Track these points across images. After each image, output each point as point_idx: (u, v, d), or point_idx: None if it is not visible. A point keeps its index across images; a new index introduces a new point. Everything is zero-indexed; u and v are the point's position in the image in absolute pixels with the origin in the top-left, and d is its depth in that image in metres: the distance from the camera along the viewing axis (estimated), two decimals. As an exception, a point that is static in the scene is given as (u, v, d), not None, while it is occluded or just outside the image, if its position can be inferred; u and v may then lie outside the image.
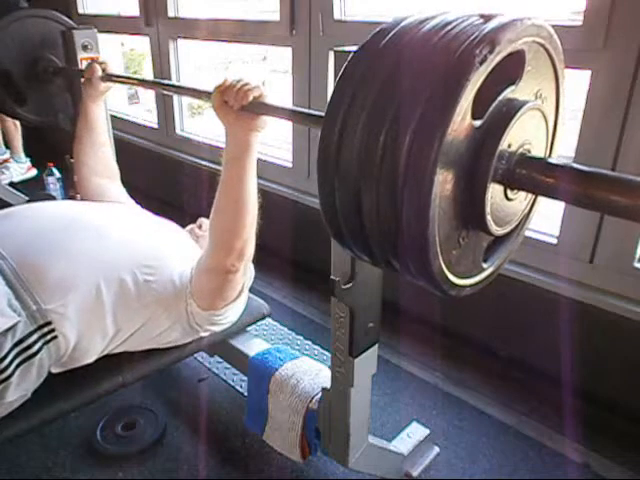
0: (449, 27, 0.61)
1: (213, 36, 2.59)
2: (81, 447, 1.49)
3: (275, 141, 2.74)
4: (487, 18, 0.60)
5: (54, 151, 2.51)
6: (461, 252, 0.69)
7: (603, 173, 0.62)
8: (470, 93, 0.57)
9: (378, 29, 0.67)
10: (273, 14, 2.25)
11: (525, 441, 1.53)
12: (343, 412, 1.17)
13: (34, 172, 3.62)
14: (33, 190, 3.04)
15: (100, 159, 1.66)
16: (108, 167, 1.68)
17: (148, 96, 3.98)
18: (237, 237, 1.17)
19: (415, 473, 1.35)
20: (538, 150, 0.72)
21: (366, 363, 1.14)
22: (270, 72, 5.04)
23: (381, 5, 2.26)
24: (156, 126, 3.09)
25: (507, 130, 0.63)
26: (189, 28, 2.69)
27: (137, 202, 1.68)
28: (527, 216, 0.81)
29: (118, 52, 3.69)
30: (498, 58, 0.59)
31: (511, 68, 0.64)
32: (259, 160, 1.15)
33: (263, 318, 1.62)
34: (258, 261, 1.38)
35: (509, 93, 0.65)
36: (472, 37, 0.58)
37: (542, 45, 0.68)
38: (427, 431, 1.42)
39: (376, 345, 1.15)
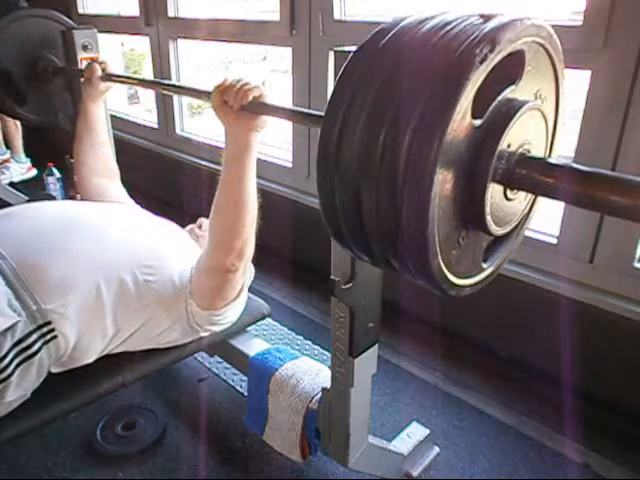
0: (449, 27, 0.61)
1: (213, 36, 2.59)
2: (81, 447, 1.49)
3: (275, 141, 2.74)
4: (487, 18, 0.60)
5: (54, 151, 2.51)
6: (461, 252, 0.69)
7: (603, 173, 0.62)
8: (470, 92, 0.57)
9: (378, 29, 0.67)
10: (273, 14, 2.25)
11: (525, 441, 1.53)
12: (343, 412, 1.17)
13: (34, 172, 3.62)
14: (33, 190, 3.04)
15: (100, 159, 1.66)
16: (108, 167, 1.68)
17: (148, 96, 3.98)
18: (237, 236, 1.17)
19: (415, 473, 1.35)
20: (538, 150, 0.72)
21: (366, 363, 1.14)
22: (270, 72, 5.05)
23: (381, 5, 2.26)
24: (156, 126, 3.09)
25: (507, 130, 0.63)
26: (189, 28, 2.69)
27: (137, 202, 1.67)
28: (527, 216, 0.81)
29: (118, 52, 3.69)
30: (498, 58, 0.59)
31: (511, 68, 0.64)
32: (259, 160, 1.15)
33: (263, 318, 1.62)
34: (258, 261, 1.38)
35: (509, 93, 0.65)
36: (472, 36, 0.58)
37: (542, 45, 0.68)
38: (427, 431, 1.42)
39: (376, 345, 1.15)
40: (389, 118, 0.60)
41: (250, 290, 1.52)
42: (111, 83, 1.62)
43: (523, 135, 0.67)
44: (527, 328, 1.77)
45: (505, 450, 1.50)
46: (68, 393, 1.21)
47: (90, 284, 1.18)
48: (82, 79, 1.65)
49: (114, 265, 1.23)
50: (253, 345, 1.52)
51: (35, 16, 1.90)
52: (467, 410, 1.64)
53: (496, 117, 0.63)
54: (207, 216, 1.22)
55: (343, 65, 0.66)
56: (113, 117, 2.01)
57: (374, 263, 0.73)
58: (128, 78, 1.93)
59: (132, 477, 1.41)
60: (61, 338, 1.13)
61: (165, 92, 2.75)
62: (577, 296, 1.59)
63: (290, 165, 2.40)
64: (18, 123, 3.44)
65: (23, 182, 3.50)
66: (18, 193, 2.85)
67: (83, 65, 1.78)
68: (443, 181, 0.59)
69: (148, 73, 3.46)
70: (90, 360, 1.22)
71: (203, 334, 1.38)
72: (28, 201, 2.53)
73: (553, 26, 0.68)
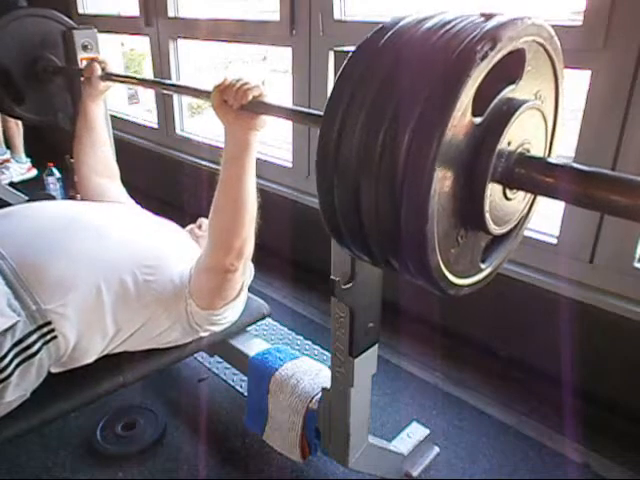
0: (449, 26, 0.61)
1: (213, 36, 2.59)
2: (81, 447, 1.49)
3: (275, 141, 2.74)
4: (488, 17, 0.61)
5: (54, 151, 2.52)
6: (459, 250, 0.69)
7: (603, 173, 0.62)
8: (471, 89, 0.57)
9: (377, 28, 0.67)
10: (273, 14, 2.25)
11: (525, 441, 1.53)
12: (343, 412, 1.17)
13: (34, 172, 3.62)
14: (33, 190, 3.03)
15: (100, 158, 1.66)
16: (108, 167, 1.68)
17: (148, 96, 3.98)
18: (236, 236, 1.17)
19: (415, 473, 1.35)
20: (537, 150, 0.72)
21: (366, 363, 1.14)
22: (270, 72, 5.05)
23: (381, 5, 2.26)
24: (156, 126, 3.09)
25: (507, 128, 0.63)
26: (189, 28, 2.69)
27: (137, 202, 1.67)
28: (526, 216, 0.81)
29: (118, 52, 3.69)
30: (499, 55, 0.59)
31: (511, 67, 0.64)
32: (259, 160, 1.15)
33: (263, 318, 1.62)
34: (258, 261, 1.38)
35: (509, 92, 0.65)
36: (473, 34, 0.58)
37: (542, 45, 0.68)
38: (427, 431, 1.42)
39: (376, 345, 1.15)
40: (388, 117, 0.59)
41: (250, 290, 1.52)
42: (111, 82, 1.62)
43: (523, 135, 0.67)
44: (527, 328, 1.77)
45: (505, 450, 1.50)
46: (68, 393, 1.21)
47: (90, 284, 1.18)
48: (82, 78, 1.66)
49: (114, 265, 1.23)
50: (253, 345, 1.52)
51: (35, 15, 1.89)
52: (467, 410, 1.64)
53: (496, 115, 0.63)
54: (207, 216, 1.22)
55: (342, 64, 0.66)
56: (113, 117, 2.01)
57: (373, 262, 0.73)
58: (128, 77, 1.92)
59: (132, 477, 1.41)
60: (61, 338, 1.13)
61: (165, 91, 2.75)
62: (577, 296, 1.59)
63: (290, 165, 2.40)
64: (20, 123, 3.45)
65: (23, 182, 3.51)
66: (18, 193, 2.84)
67: (83, 65, 1.78)
68: (443, 178, 0.59)
69: (148, 73, 3.46)
70: (90, 360, 1.22)
71: (203, 334, 1.38)
72: (28, 201, 2.53)
73: (553, 26, 0.68)
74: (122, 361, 1.28)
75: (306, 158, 2.30)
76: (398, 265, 0.68)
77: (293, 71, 2.25)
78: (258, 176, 1.15)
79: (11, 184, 3.31)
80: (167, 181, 3.04)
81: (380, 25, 0.67)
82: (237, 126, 1.08)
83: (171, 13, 2.73)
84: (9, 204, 2.50)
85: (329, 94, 0.67)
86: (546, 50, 0.69)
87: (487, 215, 0.67)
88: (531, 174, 0.66)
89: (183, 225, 1.58)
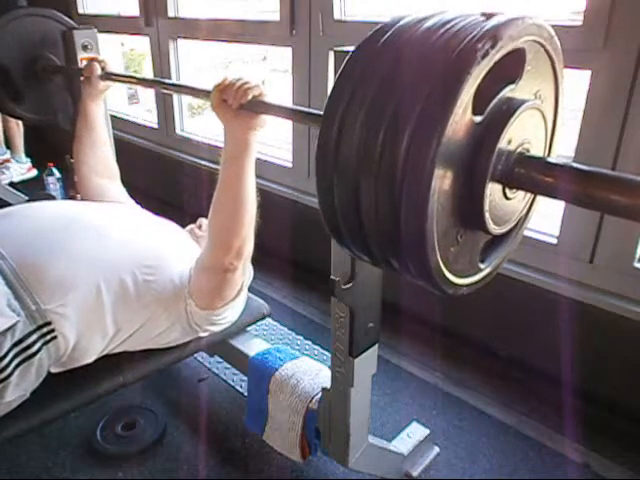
0: (449, 25, 0.61)
1: (213, 36, 2.59)
2: (81, 447, 1.48)
3: (275, 141, 2.74)
4: (488, 16, 0.61)
5: (54, 151, 2.52)
6: (459, 249, 0.69)
7: (603, 172, 0.62)
8: (471, 87, 0.57)
9: (377, 27, 0.67)
10: (273, 14, 2.25)
11: (525, 441, 1.53)
12: (343, 412, 1.17)
13: (34, 172, 3.62)
14: (33, 190, 3.03)
15: (100, 158, 1.66)
16: (108, 167, 1.68)
17: (148, 96, 3.98)
18: (235, 236, 1.17)
19: (415, 473, 1.35)
20: (537, 150, 0.72)
21: (366, 363, 1.14)
22: (270, 72, 5.05)
23: (381, 5, 2.26)
24: (156, 126, 3.09)
25: (507, 126, 0.63)
26: (189, 28, 2.69)
27: (137, 202, 1.67)
28: (526, 216, 0.81)
29: (118, 52, 3.69)
30: (499, 54, 0.59)
31: (512, 67, 0.64)
32: (259, 160, 1.15)
33: (263, 318, 1.62)
34: (258, 261, 1.38)
35: (509, 92, 0.65)
36: (474, 32, 0.58)
37: (542, 45, 0.68)
38: (427, 431, 1.42)
39: (376, 345, 1.15)
40: (388, 115, 0.59)
41: (250, 290, 1.52)
42: (111, 82, 1.62)
43: (523, 134, 0.67)
44: (527, 328, 1.77)
45: (505, 450, 1.50)
46: (68, 393, 1.21)
47: (90, 284, 1.18)
48: (82, 78, 1.65)
49: (114, 265, 1.23)
50: (253, 345, 1.52)
51: (35, 15, 1.89)
52: (467, 410, 1.64)
53: (496, 114, 0.63)
54: (207, 216, 1.22)
55: (342, 64, 0.66)
56: (113, 117, 2.01)
57: (373, 262, 0.73)
58: (128, 77, 1.92)
59: (132, 477, 1.41)
60: (61, 338, 1.13)
61: (165, 91, 2.75)
62: (577, 296, 1.59)
63: (290, 165, 2.40)
64: (20, 123, 3.45)
65: (23, 182, 3.51)
66: (18, 193, 2.84)
67: (83, 65, 1.78)
68: (442, 177, 0.59)
69: (148, 73, 3.46)
70: (90, 360, 1.22)
71: (203, 334, 1.38)
72: (28, 201, 2.53)
73: (553, 26, 0.68)
74: (122, 361, 1.28)
75: (306, 158, 2.30)
76: (398, 264, 0.68)
77: (293, 71, 2.25)
78: (258, 176, 1.15)
79: (11, 184, 3.31)
80: (167, 181, 3.04)
81: (380, 25, 0.67)
82: (236, 125, 1.08)
83: (171, 13, 2.73)
84: (9, 204, 2.50)
85: (329, 93, 0.67)
86: (546, 50, 0.69)
87: (487, 214, 0.67)
88: (531, 173, 0.66)
89: (183, 225, 1.58)
